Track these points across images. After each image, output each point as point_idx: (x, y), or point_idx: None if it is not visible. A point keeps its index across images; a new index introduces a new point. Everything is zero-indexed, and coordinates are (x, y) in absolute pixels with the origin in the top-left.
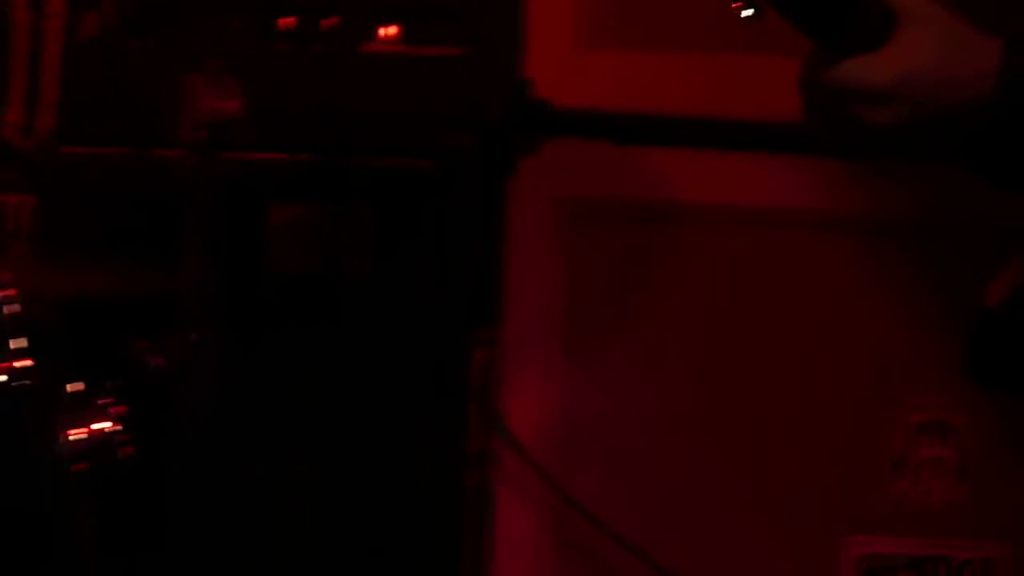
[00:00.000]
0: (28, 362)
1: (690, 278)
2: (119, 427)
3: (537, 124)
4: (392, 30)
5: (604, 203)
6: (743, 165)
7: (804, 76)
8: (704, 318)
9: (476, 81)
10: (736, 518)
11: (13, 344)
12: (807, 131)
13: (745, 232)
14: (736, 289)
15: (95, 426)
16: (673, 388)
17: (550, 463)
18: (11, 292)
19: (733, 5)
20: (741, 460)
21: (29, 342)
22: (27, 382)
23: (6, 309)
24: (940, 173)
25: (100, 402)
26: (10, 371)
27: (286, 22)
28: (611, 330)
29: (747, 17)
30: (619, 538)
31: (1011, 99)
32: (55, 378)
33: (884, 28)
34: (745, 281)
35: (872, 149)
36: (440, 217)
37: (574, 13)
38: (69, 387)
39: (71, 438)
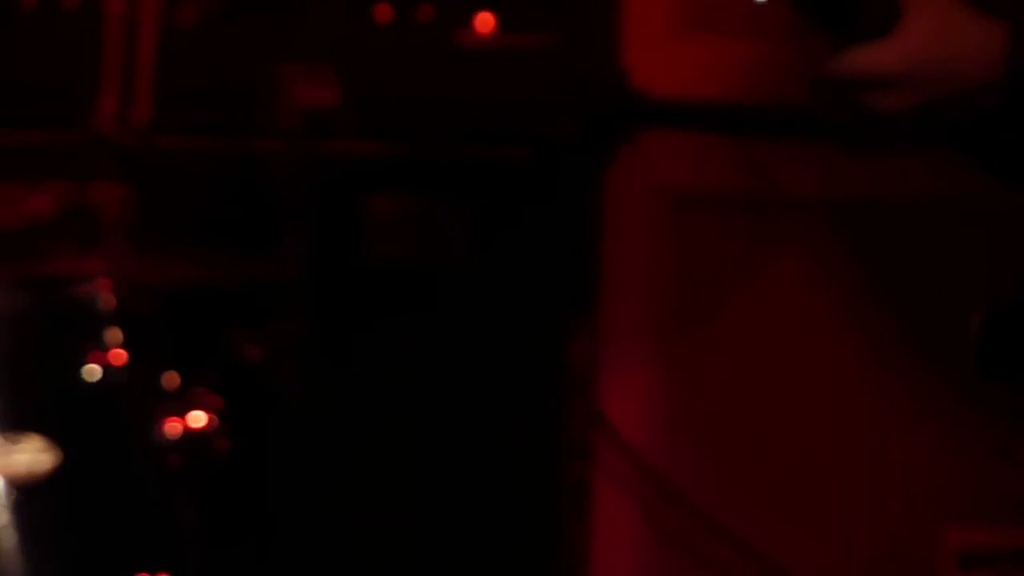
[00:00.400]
0: (124, 354)
1: (788, 268)
2: (216, 419)
3: (634, 113)
4: (488, 19)
5: (701, 193)
6: (841, 155)
7: (818, 67)
8: (803, 307)
9: (573, 70)
10: (835, 509)
11: (110, 336)
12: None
13: (843, 221)
14: (834, 278)
15: (192, 417)
16: (770, 378)
17: (650, 454)
18: (107, 283)
19: None
20: (841, 450)
21: (126, 334)
22: (124, 374)
23: (102, 301)
24: None
25: (197, 393)
26: (107, 363)
27: (383, 11)
28: (710, 320)
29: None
30: (719, 530)
31: (1019, 79)
32: (152, 369)
33: (890, 16)
34: (843, 270)
35: (882, 137)
36: (538, 207)
37: (671, 1)
38: (166, 378)
39: (168, 430)
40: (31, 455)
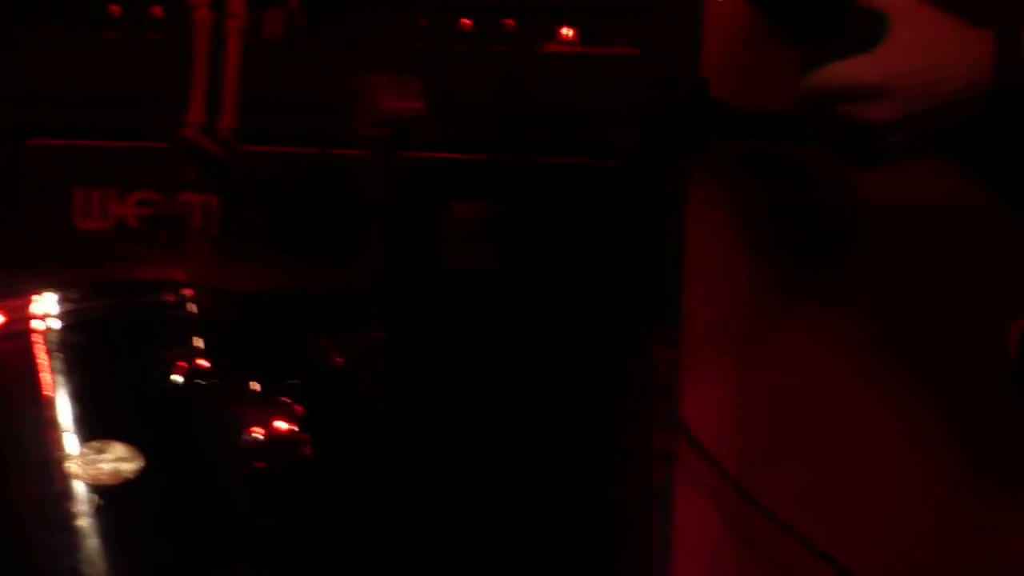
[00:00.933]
0: (208, 361)
1: (866, 277)
2: (298, 425)
3: (712, 123)
4: (570, 30)
5: (780, 203)
6: (917, 165)
7: (798, 80)
8: (881, 317)
9: (653, 81)
10: (909, 516)
11: (194, 342)
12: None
13: (921, 232)
14: (911, 288)
15: (275, 424)
16: (850, 386)
17: (730, 461)
18: (192, 290)
19: None
20: (915, 458)
21: (210, 340)
22: (208, 381)
23: (187, 308)
24: None
25: (280, 400)
26: (191, 370)
27: (466, 22)
28: (789, 329)
29: None
30: (798, 535)
31: (1007, 84)
32: (235, 376)
33: (874, 30)
34: (920, 280)
35: (867, 147)
36: (618, 216)
37: (751, 11)
38: (249, 385)
39: (251, 436)
40: (115, 461)
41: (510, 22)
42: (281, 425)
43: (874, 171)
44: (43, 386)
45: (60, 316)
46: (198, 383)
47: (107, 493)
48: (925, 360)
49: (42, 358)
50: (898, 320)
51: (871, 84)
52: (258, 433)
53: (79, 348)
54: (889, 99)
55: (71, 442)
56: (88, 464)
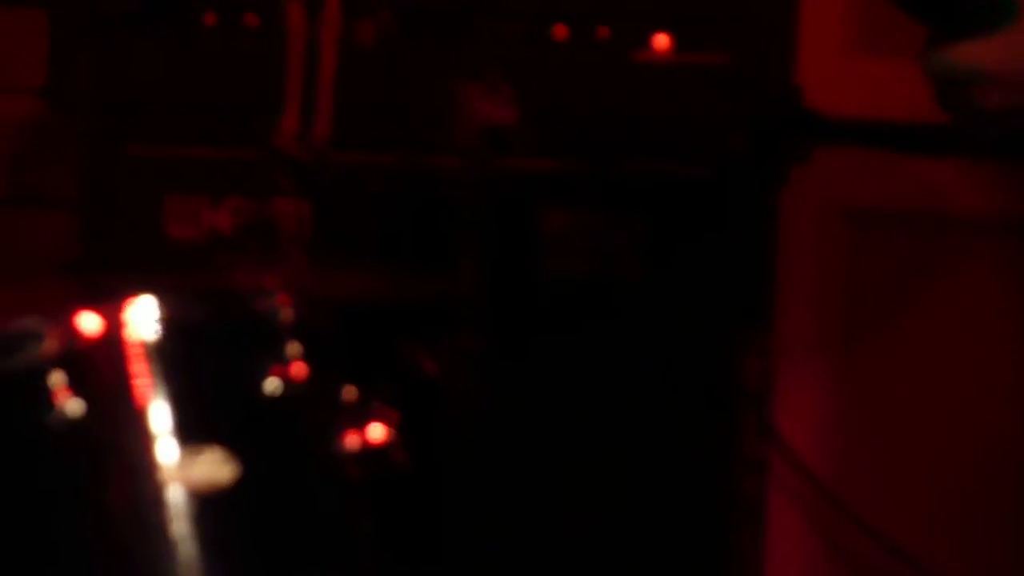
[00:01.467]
0: (304, 367)
1: (961, 287)
2: (394, 432)
3: (807, 130)
4: (664, 37)
5: (875, 211)
6: (1016, 176)
7: (920, 59)
8: (977, 326)
9: (747, 88)
10: (1008, 526)
11: (289, 349)
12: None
13: (1017, 240)
14: (1007, 297)
15: (370, 431)
16: (945, 395)
17: (823, 470)
18: (286, 297)
19: None
20: (1014, 467)
21: (305, 347)
22: (303, 387)
23: (281, 315)
24: None
25: (375, 407)
26: (286, 376)
27: (560, 29)
28: (884, 337)
29: None
30: (892, 546)
31: None
32: (330, 383)
33: (1003, 14)
34: (1016, 290)
35: (990, 133)
36: (713, 223)
37: (846, 18)
38: (344, 392)
39: (347, 442)
40: (211, 466)
41: (604, 30)
42: (376, 433)
43: (978, 173)
44: (138, 393)
45: (155, 323)
46: (293, 390)
47: (203, 499)
48: None
49: (137, 365)
50: (1001, 328)
51: (985, 70)
52: (353, 441)
53: (174, 355)
54: (1001, 87)
55: (166, 448)
56: (183, 470)
